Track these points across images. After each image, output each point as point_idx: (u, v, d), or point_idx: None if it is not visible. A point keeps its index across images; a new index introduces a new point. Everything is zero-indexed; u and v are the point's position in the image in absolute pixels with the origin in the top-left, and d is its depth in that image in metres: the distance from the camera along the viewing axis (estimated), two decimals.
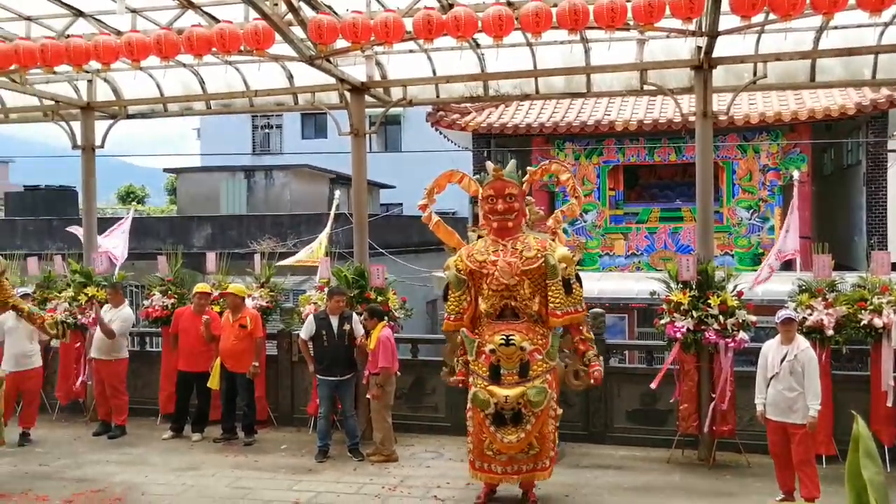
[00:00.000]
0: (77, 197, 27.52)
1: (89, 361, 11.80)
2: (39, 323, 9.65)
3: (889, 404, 9.21)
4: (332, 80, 11.22)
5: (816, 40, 10.00)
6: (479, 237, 8.54)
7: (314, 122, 36.01)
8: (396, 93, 12.03)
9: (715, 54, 10.01)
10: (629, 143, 18.76)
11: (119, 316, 11.35)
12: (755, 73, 10.32)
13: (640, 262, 18.78)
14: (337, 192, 16.49)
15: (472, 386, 7.96)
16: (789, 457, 7.93)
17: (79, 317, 12.05)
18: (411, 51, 11.17)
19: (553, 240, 8.42)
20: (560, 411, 8.33)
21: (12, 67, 9.77)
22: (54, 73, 10.55)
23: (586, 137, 18.81)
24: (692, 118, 10.52)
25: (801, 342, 8.03)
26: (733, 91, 10.66)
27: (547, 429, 7.93)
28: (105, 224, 15.27)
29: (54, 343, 11.90)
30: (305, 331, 10.31)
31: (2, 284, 9.27)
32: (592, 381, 8.28)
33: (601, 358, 8.33)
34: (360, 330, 10.17)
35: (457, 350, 8.55)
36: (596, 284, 16.03)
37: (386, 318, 10.30)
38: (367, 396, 10.11)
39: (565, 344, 8.34)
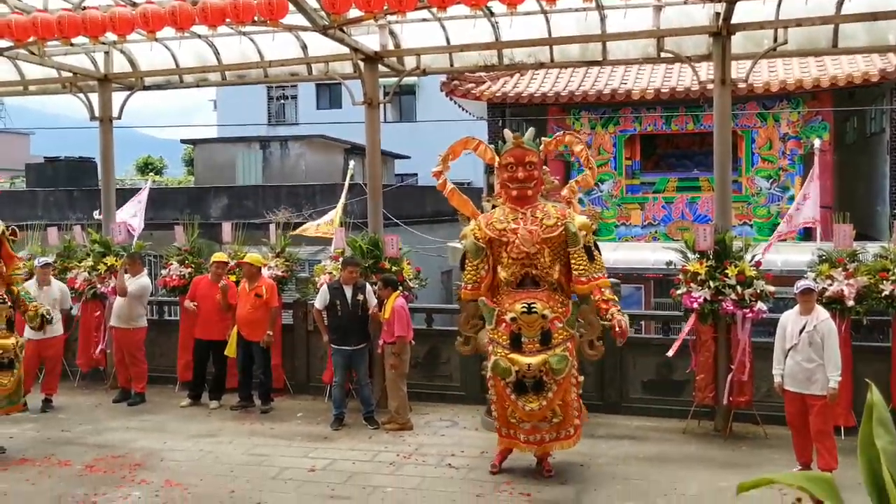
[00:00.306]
0: (96, 168, 27.64)
1: (109, 330, 11.91)
2: (23, 310, 9.62)
3: None
4: (346, 50, 11.15)
5: (839, 5, 9.76)
6: (495, 207, 8.50)
7: (329, 93, 35.97)
8: (410, 62, 11.95)
9: (734, 20, 9.85)
10: (646, 111, 18.60)
11: (137, 283, 11.44)
12: (775, 40, 10.12)
13: (656, 231, 18.68)
14: (351, 163, 16.47)
15: (493, 355, 7.95)
16: (807, 428, 7.88)
17: (98, 286, 12.14)
18: (425, 20, 11.06)
19: (569, 209, 8.37)
20: (581, 379, 8.31)
21: (30, 39, 9.76)
22: (71, 45, 10.58)
23: (602, 106, 18.65)
24: (710, 86, 10.40)
25: (821, 313, 7.96)
26: (752, 58, 10.46)
27: (570, 396, 7.92)
28: (124, 195, 15.36)
29: (75, 311, 12.09)
30: (320, 300, 10.34)
31: (6, 249, 9.28)
32: (618, 329, 7.97)
33: (625, 314, 8.24)
34: (373, 300, 10.19)
35: (471, 320, 8.53)
36: (612, 254, 15.95)
37: (400, 287, 10.30)
38: (386, 365, 10.13)
39: (580, 314, 8.30)
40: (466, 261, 8.39)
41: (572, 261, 8.02)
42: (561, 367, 7.63)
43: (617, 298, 8.49)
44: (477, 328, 8.50)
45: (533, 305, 7.79)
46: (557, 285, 8.11)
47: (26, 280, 10.59)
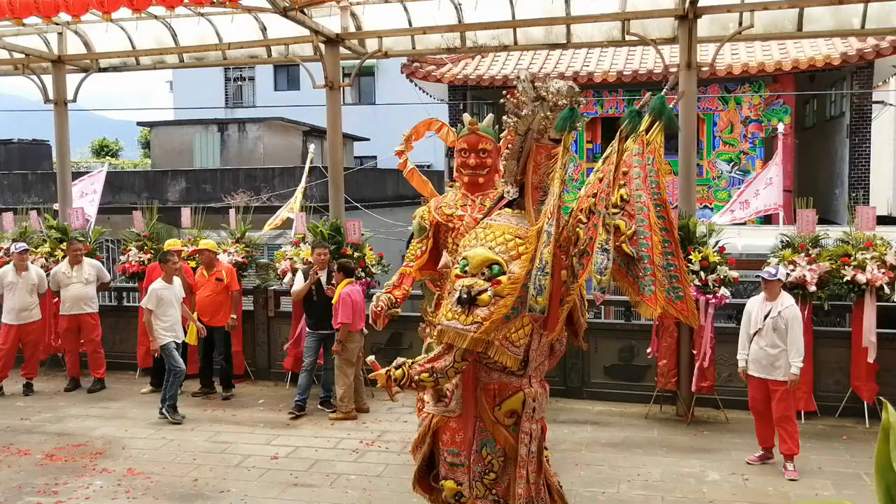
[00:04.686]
0: (51, 150, 27.13)
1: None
2: None
3: (870, 360, 9.24)
4: (306, 32, 10.98)
5: None
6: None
7: (287, 74, 35.60)
8: (372, 44, 11.80)
9: (700, 3, 9.84)
10: (607, 94, 18.59)
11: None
12: (741, 23, 10.15)
13: None
14: (311, 146, 16.28)
15: (429, 338, 7.81)
16: (769, 413, 7.93)
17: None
18: (387, 1, 10.93)
19: None
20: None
21: None
22: (24, 25, 10.30)
23: None
24: (673, 69, 10.38)
25: (786, 299, 7.99)
26: (718, 41, 10.46)
27: None
28: (79, 177, 15.06)
29: None
30: (298, 284, 10.28)
31: None
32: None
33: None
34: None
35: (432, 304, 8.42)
36: None
37: (354, 277, 10.16)
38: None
39: None
40: (413, 240, 8.29)
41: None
42: None
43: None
44: None
45: None
46: None
47: None
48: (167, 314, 9.75)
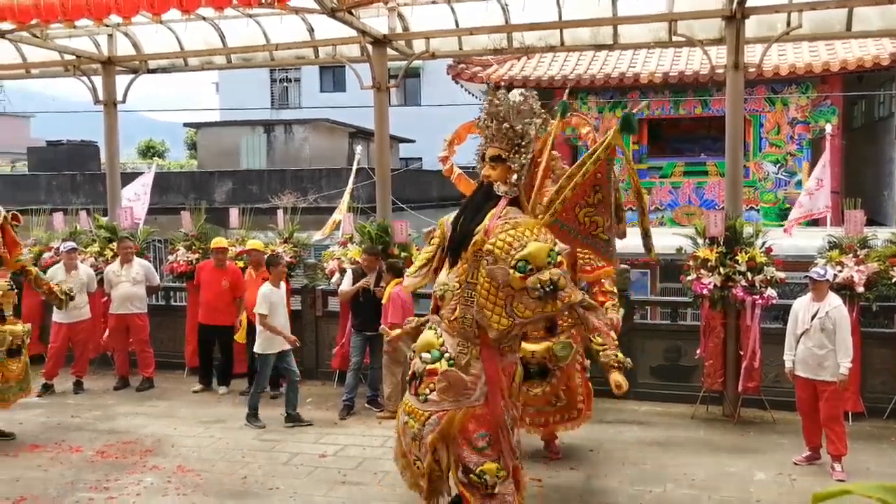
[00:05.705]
0: (99, 151, 27.58)
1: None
2: (46, 289, 9.72)
3: None
4: (354, 33, 11.07)
5: None
6: None
7: (332, 76, 35.78)
8: (419, 45, 11.87)
9: (748, 3, 9.78)
10: (653, 95, 18.50)
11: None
12: (789, 24, 10.07)
13: (663, 217, 18.62)
14: (358, 147, 16.40)
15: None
16: (817, 414, 7.88)
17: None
18: (434, 2, 10.99)
19: None
20: (588, 364, 8.27)
21: (33, 22, 9.70)
22: (75, 27, 10.50)
23: (610, 90, 18.58)
24: (720, 70, 10.32)
25: (834, 299, 7.93)
26: (766, 42, 10.41)
27: (574, 382, 7.91)
28: (127, 179, 15.31)
29: None
30: (346, 284, 10.38)
31: (9, 235, 9.26)
32: (611, 328, 8.09)
33: (621, 310, 8.20)
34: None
35: None
36: (618, 240, 15.87)
37: (402, 276, 10.24)
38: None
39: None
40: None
41: (577, 249, 7.96)
42: (565, 355, 7.59)
43: (616, 291, 8.38)
44: None
45: None
46: None
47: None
48: (275, 318, 9.71)
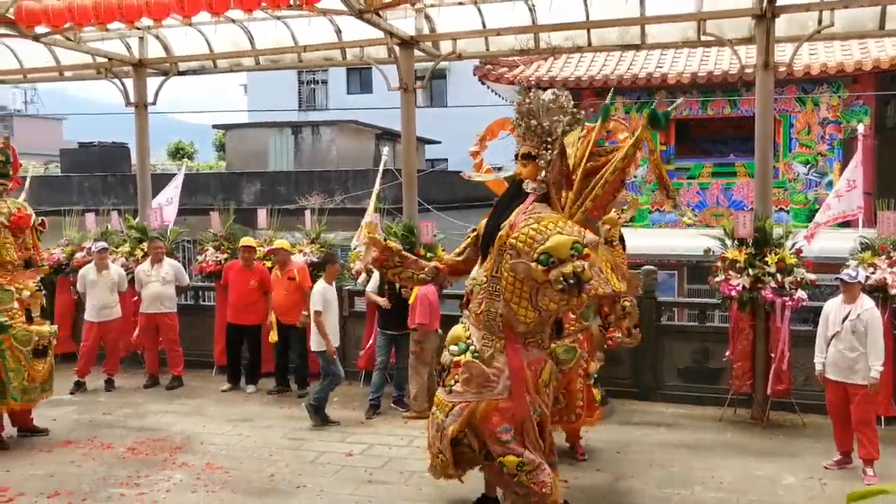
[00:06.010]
0: (129, 153, 27.81)
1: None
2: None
3: None
4: (381, 34, 11.09)
5: None
6: None
7: (359, 78, 35.84)
8: (445, 46, 11.88)
9: (779, 2, 9.70)
10: (681, 96, 18.34)
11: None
12: (820, 22, 9.98)
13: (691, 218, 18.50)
14: (385, 149, 16.42)
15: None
16: (848, 417, 7.80)
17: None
18: (461, 3, 10.99)
19: None
20: (593, 368, 8.25)
21: (66, 26, 9.82)
22: (107, 30, 10.62)
23: (637, 91, 18.47)
24: (749, 70, 10.24)
25: (866, 301, 7.84)
26: (796, 41, 10.29)
27: (574, 386, 7.92)
28: (156, 180, 15.43)
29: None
30: (372, 284, 10.43)
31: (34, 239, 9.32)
32: (610, 342, 8.37)
33: (636, 309, 8.21)
34: None
35: None
36: (646, 241, 15.84)
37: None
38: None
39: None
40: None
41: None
42: (567, 358, 7.53)
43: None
44: None
45: None
46: None
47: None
48: (329, 315, 9.78)
